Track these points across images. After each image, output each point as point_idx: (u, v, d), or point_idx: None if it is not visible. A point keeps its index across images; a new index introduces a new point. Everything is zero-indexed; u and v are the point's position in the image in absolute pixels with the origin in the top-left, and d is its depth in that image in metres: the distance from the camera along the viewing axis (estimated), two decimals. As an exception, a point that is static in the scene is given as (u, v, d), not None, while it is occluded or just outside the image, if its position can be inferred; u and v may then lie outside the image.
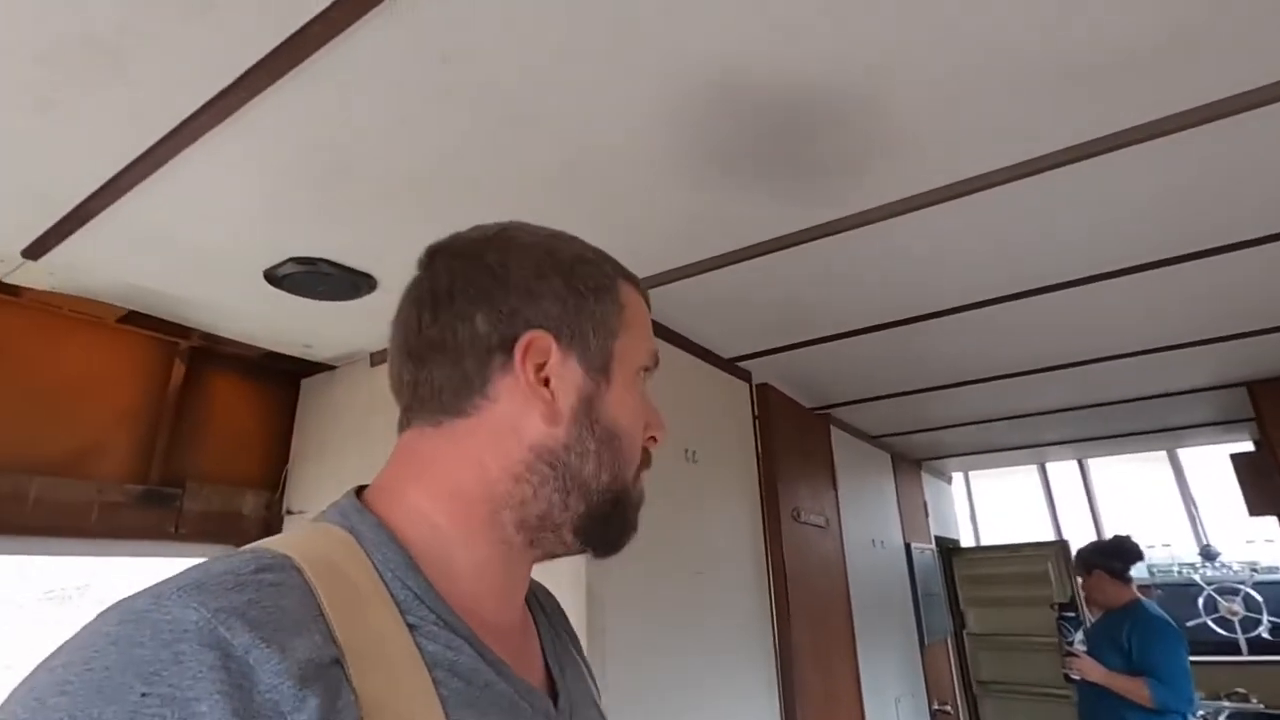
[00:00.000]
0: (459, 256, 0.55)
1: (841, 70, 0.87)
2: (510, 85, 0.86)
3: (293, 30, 0.75)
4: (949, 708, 3.12)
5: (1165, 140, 1.04)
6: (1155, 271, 1.52)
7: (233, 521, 1.74)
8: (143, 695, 0.32)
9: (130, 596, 0.37)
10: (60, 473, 1.45)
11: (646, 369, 0.58)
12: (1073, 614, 2.44)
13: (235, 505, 1.76)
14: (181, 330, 1.62)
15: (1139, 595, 2.47)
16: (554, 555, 0.55)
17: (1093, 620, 2.48)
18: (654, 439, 0.58)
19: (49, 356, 1.46)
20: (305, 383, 1.94)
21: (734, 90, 0.90)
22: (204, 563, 0.40)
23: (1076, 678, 2.34)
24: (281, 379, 1.92)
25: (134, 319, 1.53)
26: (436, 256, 0.56)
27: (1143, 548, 2.57)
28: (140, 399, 1.62)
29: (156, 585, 0.38)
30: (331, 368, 1.88)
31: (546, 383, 0.52)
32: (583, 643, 1.21)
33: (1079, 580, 2.59)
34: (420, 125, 0.92)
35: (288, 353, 1.78)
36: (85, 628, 0.36)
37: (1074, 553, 2.77)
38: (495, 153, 0.99)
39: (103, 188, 1.00)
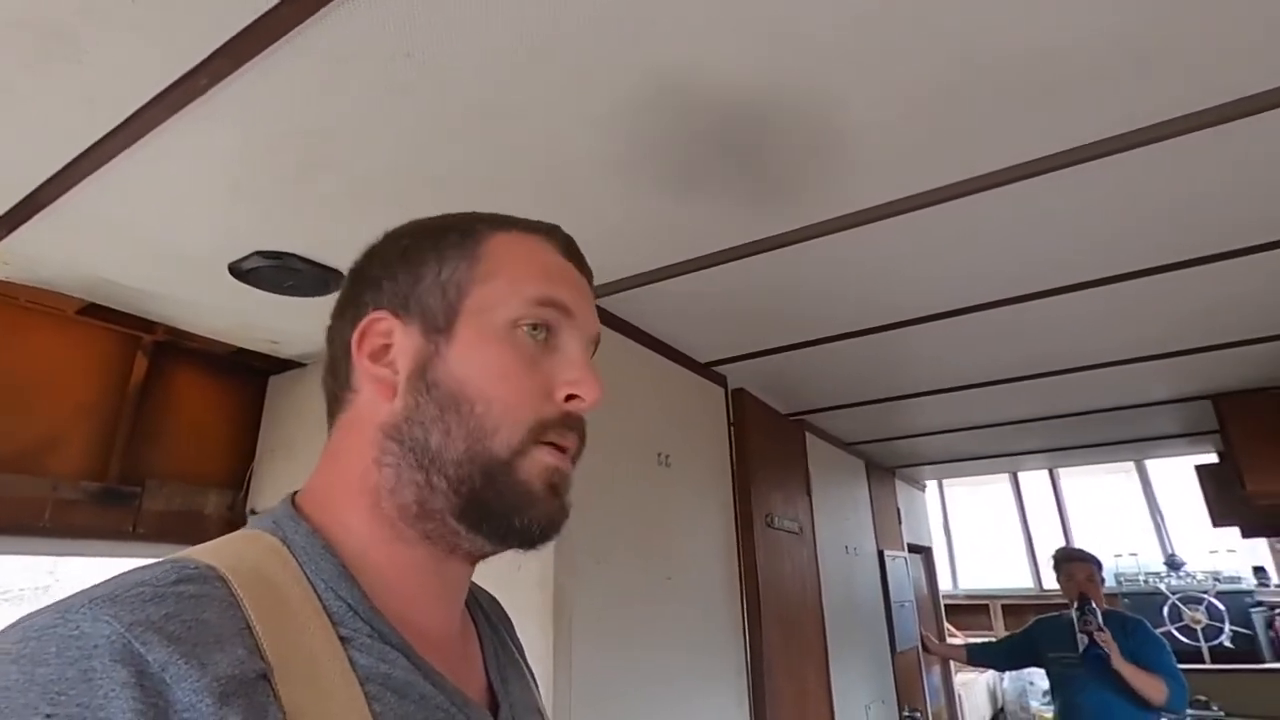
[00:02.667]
0: (350, 271, 0.58)
1: (807, 81, 0.87)
2: (473, 83, 0.85)
3: (256, 16, 0.73)
4: (919, 714, 3.14)
5: (1129, 154, 1.05)
6: (1121, 285, 1.54)
7: (194, 521, 1.69)
8: (47, 716, 0.30)
9: (34, 612, 0.35)
10: (13, 468, 1.41)
11: (535, 319, 0.50)
12: (1090, 604, 2.51)
13: (197, 504, 1.71)
14: (145, 324, 1.58)
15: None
16: (470, 552, 0.51)
17: (1079, 614, 2.53)
18: (576, 398, 0.51)
19: (3, 348, 1.41)
20: (273, 380, 1.90)
21: (697, 98, 0.89)
22: (119, 574, 0.38)
23: (1105, 651, 2.38)
24: (249, 376, 1.88)
25: (95, 311, 1.49)
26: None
27: (1109, 556, 2.73)
28: (100, 394, 1.57)
29: (64, 599, 0.36)
30: (300, 365, 1.85)
31: (394, 363, 0.51)
32: (549, 643, 1.21)
33: (1080, 575, 2.67)
34: (385, 120, 0.90)
35: (254, 349, 1.74)
36: None
37: (1065, 550, 2.88)
38: (460, 151, 0.97)
39: (56, 175, 0.97)
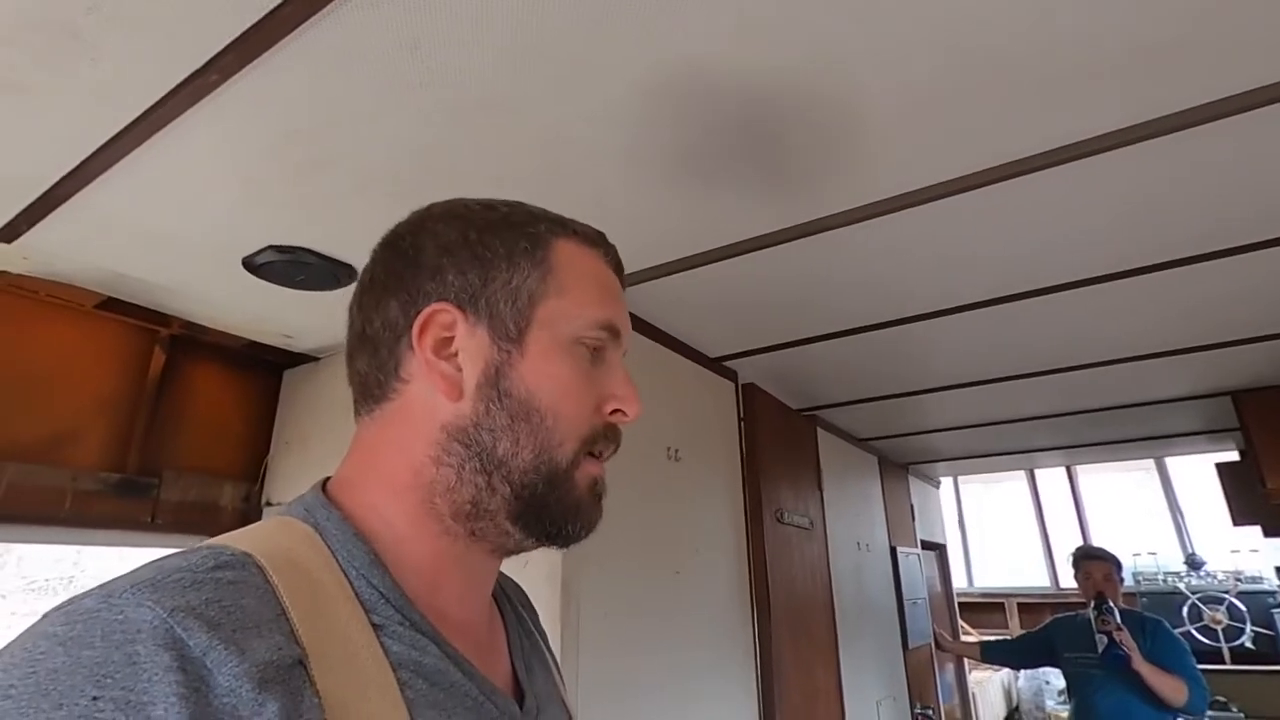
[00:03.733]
0: (384, 245, 0.55)
1: (817, 73, 0.86)
2: (480, 76, 0.85)
3: (263, 13, 0.74)
4: (931, 711, 3.12)
5: (1146, 145, 1.03)
6: (1138, 278, 1.52)
7: (211, 512, 1.72)
8: (94, 699, 0.31)
9: (78, 596, 0.36)
10: (34, 459, 1.44)
11: (594, 341, 0.53)
12: (1108, 603, 2.48)
13: (213, 496, 1.74)
14: (161, 318, 1.60)
15: None
16: (509, 549, 0.53)
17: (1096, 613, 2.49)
18: (620, 412, 0.53)
19: (24, 341, 1.44)
20: (288, 374, 1.93)
21: (709, 88, 0.89)
22: (157, 560, 0.39)
23: (1125, 651, 2.34)
24: (264, 369, 1.90)
25: (112, 305, 1.51)
26: (375, 249, 0.56)
27: (1128, 555, 2.69)
28: (118, 386, 1.60)
29: (106, 584, 0.36)
30: (314, 359, 1.87)
31: (456, 358, 0.50)
32: (557, 638, 1.22)
33: (1098, 574, 2.64)
34: (394, 115, 0.91)
35: (269, 343, 1.76)
36: (29, 629, 0.35)
37: (1084, 548, 2.84)
38: (470, 145, 0.98)
39: (72, 172, 0.98)
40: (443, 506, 0.49)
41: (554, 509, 0.50)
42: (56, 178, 1.01)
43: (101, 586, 0.36)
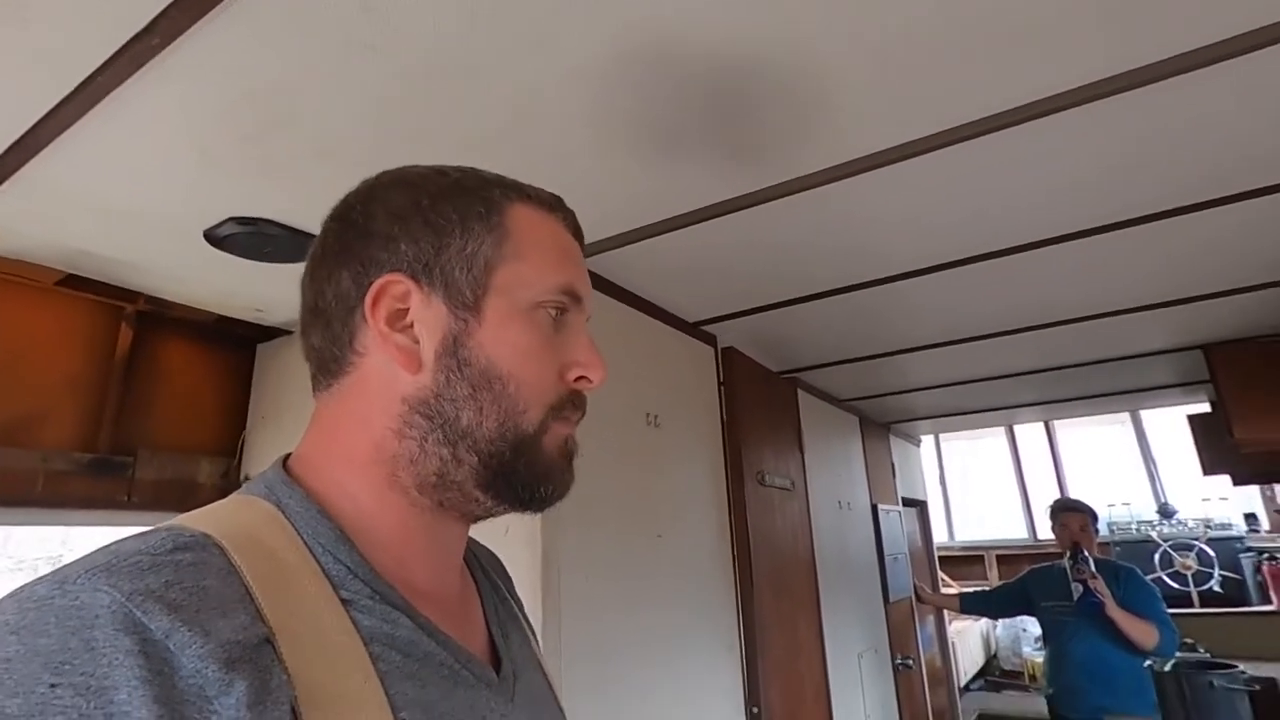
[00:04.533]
0: (334, 217, 0.54)
1: (785, 31, 0.84)
2: (435, 38, 0.82)
3: (202, -30, 0.70)
4: (911, 661, 3.22)
5: (1115, 99, 1.02)
6: (1109, 234, 1.52)
7: (188, 489, 1.71)
8: (51, 686, 0.30)
9: (30, 583, 0.35)
10: (1, 442, 1.41)
11: (556, 304, 0.52)
12: (1083, 553, 2.56)
13: (190, 473, 1.73)
14: (126, 294, 1.57)
15: None
16: (479, 515, 0.53)
17: (1071, 563, 2.56)
18: (585, 379, 0.53)
19: (-16, 321, 1.41)
20: (261, 347, 1.90)
21: (676, 51, 0.87)
22: (112, 543, 0.38)
23: (1100, 598, 2.42)
24: (236, 343, 1.87)
25: (74, 282, 1.47)
26: (325, 221, 0.54)
27: (1104, 506, 2.77)
28: (85, 364, 1.57)
29: (59, 570, 0.35)
30: (288, 332, 1.84)
31: (412, 329, 0.49)
32: (538, 603, 1.23)
33: (1074, 524, 2.72)
34: (348, 77, 0.88)
35: (240, 317, 1.73)
36: None
37: (1061, 500, 2.92)
38: (428, 108, 0.95)
39: (16, 143, 0.94)
40: (407, 479, 0.49)
41: (524, 474, 0.50)
42: (0, 150, 0.97)
43: (55, 572, 0.35)
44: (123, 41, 0.79)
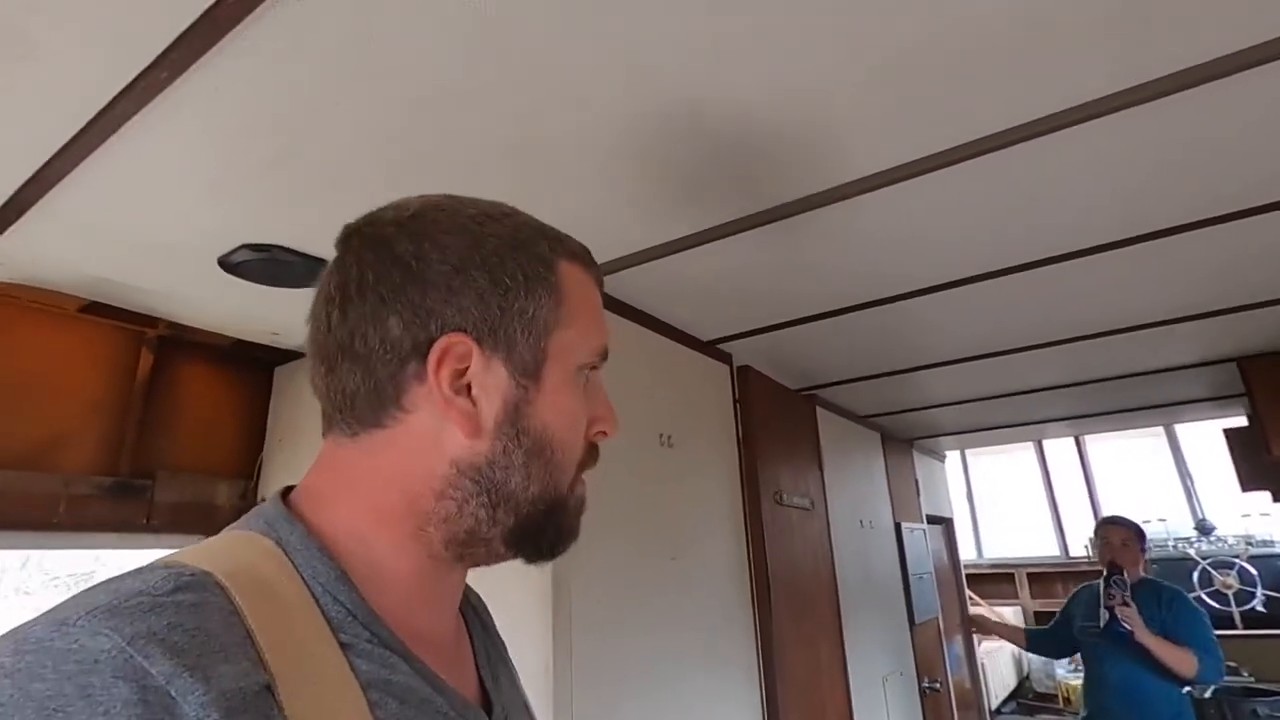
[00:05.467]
0: (371, 246, 0.49)
1: (795, 50, 0.83)
2: (437, 64, 0.82)
3: (205, 7, 0.71)
4: (939, 684, 3.13)
5: (1147, 107, 0.99)
6: (1140, 246, 1.48)
7: (207, 512, 1.72)
8: None
9: (27, 623, 0.34)
10: (25, 466, 1.44)
11: (593, 366, 0.53)
12: (1120, 575, 2.42)
13: (209, 495, 1.74)
14: (147, 319, 1.60)
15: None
16: (487, 564, 0.52)
17: (1105, 584, 2.46)
18: (602, 433, 0.54)
19: (9, 347, 1.44)
20: (278, 370, 1.92)
21: (690, 73, 0.86)
22: (109, 581, 0.37)
23: (1127, 628, 2.31)
24: (254, 366, 1.90)
25: (97, 309, 1.51)
26: (349, 243, 0.50)
27: (1138, 523, 2.65)
28: (107, 389, 1.60)
29: (57, 609, 0.35)
30: (303, 355, 1.86)
31: (469, 390, 0.47)
32: (547, 624, 1.21)
33: (1115, 539, 2.58)
34: (352, 104, 0.88)
35: (257, 340, 1.75)
36: None
37: (1108, 515, 2.78)
38: (436, 133, 0.95)
39: (34, 176, 0.97)
40: (435, 535, 0.48)
41: (550, 532, 0.51)
42: (19, 183, 0.99)
43: (52, 612, 0.35)
44: (132, 76, 0.80)
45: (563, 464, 0.50)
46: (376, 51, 0.80)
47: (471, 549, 0.49)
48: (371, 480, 0.48)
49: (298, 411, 1.84)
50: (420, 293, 0.47)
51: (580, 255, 0.54)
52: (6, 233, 1.11)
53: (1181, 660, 2.26)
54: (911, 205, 1.27)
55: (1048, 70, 0.91)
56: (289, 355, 1.87)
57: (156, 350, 1.67)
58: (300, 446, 1.79)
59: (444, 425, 0.47)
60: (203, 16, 0.73)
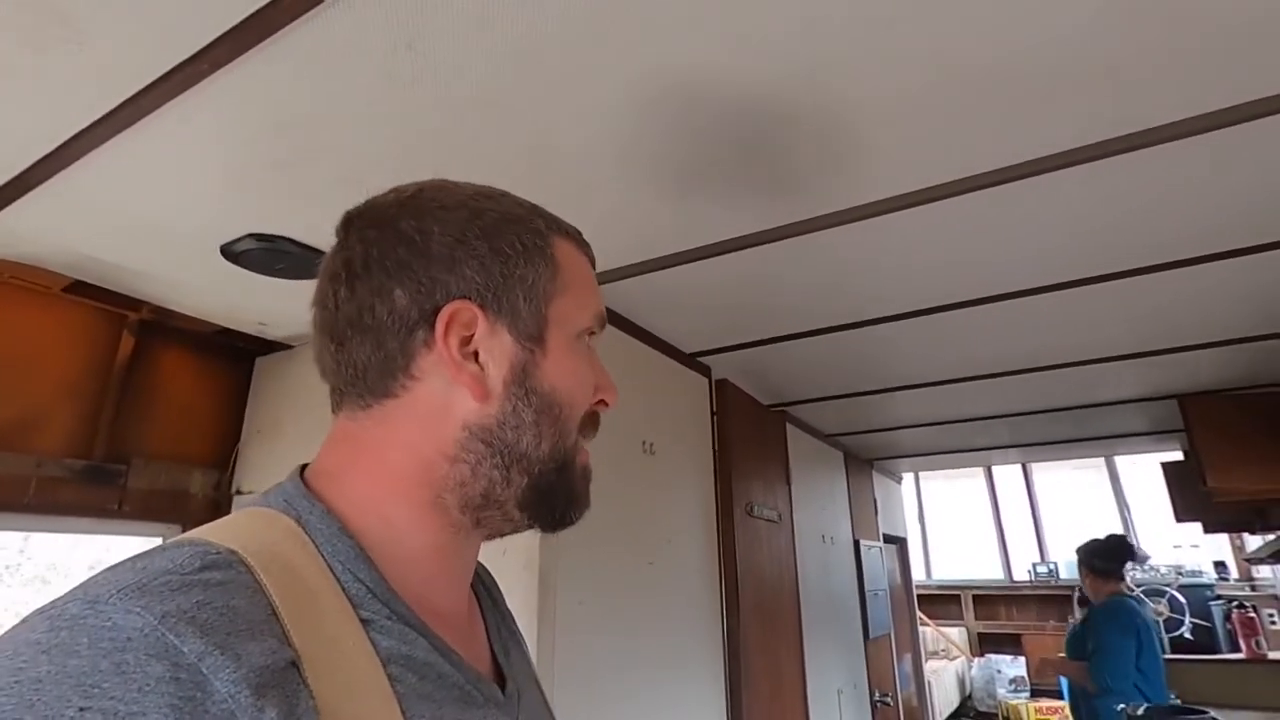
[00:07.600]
0: (374, 225, 0.51)
1: (798, 81, 0.90)
2: (473, 76, 0.86)
3: (258, 6, 0.74)
4: (890, 699, 3.22)
5: (1105, 162, 1.09)
6: (1093, 286, 1.60)
7: (180, 500, 1.70)
8: (81, 710, 0.30)
9: (60, 600, 0.35)
10: (-4, 445, 1.40)
11: (591, 332, 0.55)
12: (1078, 592, 2.61)
13: (182, 483, 1.72)
14: (131, 302, 1.57)
15: (1121, 591, 2.68)
16: (502, 534, 0.54)
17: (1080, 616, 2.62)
18: (604, 402, 0.56)
19: (-13, 324, 1.41)
20: (260, 361, 1.90)
21: (693, 95, 0.92)
22: (139, 557, 0.38)
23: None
24: (235, 356, 1.88)
25: (81, 289, 1.48)
26: (351, 225, 0.53)
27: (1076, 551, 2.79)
28: (85, 372, 1.57)
29: (89, 586, 0.35)
30: (288, 347, 1.85)
31: (475, 356, 0.49)
32: (534, 624, 1.24)
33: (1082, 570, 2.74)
34: (385, 110, 0.92)
35: (242, 330, 1.74)
36: (9, 635, 0.33)
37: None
38: (457, 141, 0.99)
39: (49, 155, 0.97)
40: (451, 500, 0.49)
41: (560, 494, 0.52)
42: (33, 160, 0.99)
43: (83, 588, 0.35)
44: (172, 65, 0.82)
45: (569, 424, 0.52)
46: (417, 62, 0.83)
47: (487, 512, 0.50)
48: (386, 450, 0.49)
49: (277, 403, 1.83)
50: (424, 264, 0.49)
51: (573, 234, 0.58)
52: (9, 208, 1.10)
53: (1079, 675, 2.44)
54: (890, 236, 1.35)
55: (1025, 120, 1.00)
56: (272, 346, 1.86)
57: (138, 334, 1.65)
58: (279, 439, 1.78)
59: (454, 390, 0.49)
60: (254, 14, 0.76)
